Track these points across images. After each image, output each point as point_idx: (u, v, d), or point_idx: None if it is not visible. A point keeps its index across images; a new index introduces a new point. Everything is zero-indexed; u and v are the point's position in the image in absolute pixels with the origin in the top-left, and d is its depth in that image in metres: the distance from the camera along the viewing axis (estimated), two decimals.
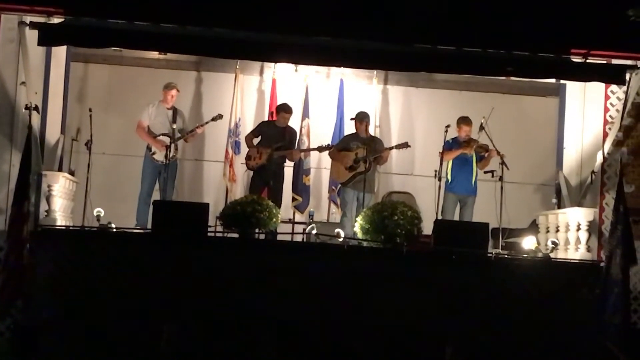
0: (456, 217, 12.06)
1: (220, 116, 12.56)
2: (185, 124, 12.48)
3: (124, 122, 13.16)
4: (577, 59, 11.45)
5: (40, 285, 10.23)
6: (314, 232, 11.04)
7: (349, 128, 13.00)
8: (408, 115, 14.23)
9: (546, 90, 13.73)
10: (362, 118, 12.38)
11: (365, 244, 10.79)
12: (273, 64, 13.72)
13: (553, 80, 12.80)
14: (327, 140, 13.23)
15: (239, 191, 13.23)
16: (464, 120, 12.23)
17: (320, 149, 12.61)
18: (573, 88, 12.50)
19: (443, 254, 10.52)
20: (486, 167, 12.10)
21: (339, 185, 12.68)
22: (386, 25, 11.22)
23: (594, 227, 11.72)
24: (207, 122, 12.59)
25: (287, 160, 12.73)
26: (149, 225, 11.25)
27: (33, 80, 11.29)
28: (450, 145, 12.05)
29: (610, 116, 12.11)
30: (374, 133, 13.21)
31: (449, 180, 12.03)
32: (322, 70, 13.95)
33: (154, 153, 12.16)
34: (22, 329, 10.23)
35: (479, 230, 10.86)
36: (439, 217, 11.45)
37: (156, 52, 13.39)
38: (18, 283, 10.00)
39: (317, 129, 13.82)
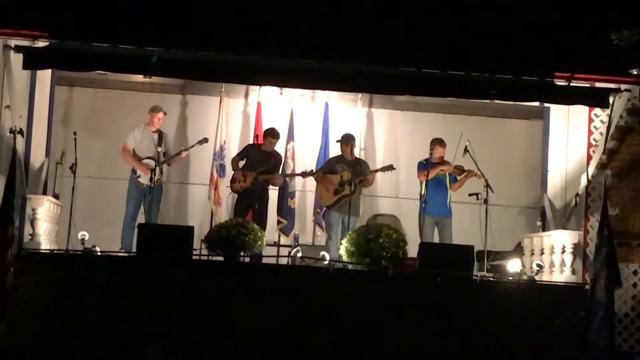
0: (436, 240, 12.04)
1: (205, 140, 12.55)
2: (170, 147, 12.47)
3: (109, 146, 13.14)
4: (561, 82, 11.51)
5: (24, 309, 10.16)
6: (299, 255, 11.00)
7: (334, 151, 13.01)
8: (393, 138, 14.28)
9: (530, 113, 13.80)
10: (347, 140, 12.39)
11: (350, 266, 10.78)
12: (258, 87, 13.75)
13: (537, 103, 12.86)
14: (312, 163, 13.27)
15: (224, 214, 13.21)
16: (438, 142, 12.23)
17: (304, 174, 12.61)
18: (557, 111, 12.56)
19: (428, 277, 10.52)
20: (459, 189, 12.10)
21: (324, 208, 12.67)
22: (371, 48, 11.26)
23: (578, 250, 11.74)
24: (192, 146, 12.58)
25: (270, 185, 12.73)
26: (134, 249, 11.20)
27: (18, 104, 11.27)
28: (424, 166, 12.05)
29: (594, 139, 12.16)
30: (359, 156, 13.21)
31: (425, 203, 12.01)
32: (307, 93, 14.00)
33: (139, 176, 12.14)
34: (5, 353, 10.14)
35: (464, 252, 10.86)
36: (421, 240, 11.45)
37: (141, 76, 13.38)
38: (1, 307, 9.92)
39: (302, 152, 13.85)
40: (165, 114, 12.45)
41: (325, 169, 12.48)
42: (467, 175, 11.99)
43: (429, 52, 11.31)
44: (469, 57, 11.32)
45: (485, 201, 11.54)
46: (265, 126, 13.12)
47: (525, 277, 11.13)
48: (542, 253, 12.07)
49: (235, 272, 10.61)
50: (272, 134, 12.64)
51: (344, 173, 12.15)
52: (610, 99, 11.42)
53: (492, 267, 11.89)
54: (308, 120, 14.10)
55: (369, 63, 11.31)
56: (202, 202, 13.75)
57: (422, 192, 11.92)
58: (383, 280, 10.48)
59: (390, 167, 12.25)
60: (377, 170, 12.39)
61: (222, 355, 10.20)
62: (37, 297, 10.20)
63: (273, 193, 13.00)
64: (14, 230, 10.17)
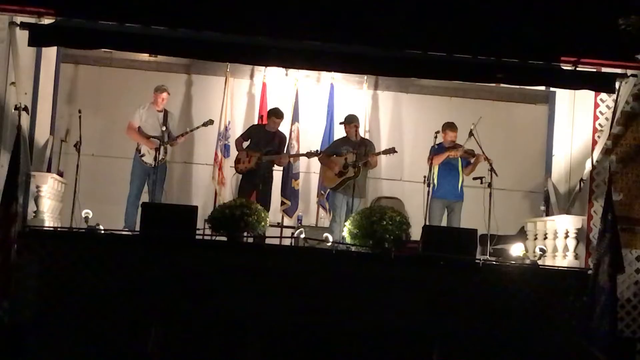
0: (444, 223, 12.06)
1: (211, 121, 12.55)
2: (174, 127, 12.47)
3: (113, 124, 13.15)
4: (567, 67, 11.47)
5: (27, 286, 10.20)
6: (303, 236, 11.03)
7: (339, 133, 13.00)
8: (398, 121, 14.26)
9: (536, 97, 13.78)
10: (349, 121, 12.39)
11: (353, 248, 10.80)
12: (263, 67, 13.71)
13: (543, 88, 12.85)
14: (316, 144, 13.26)
15: (227, 194, 13.22)
16: (449, 126, 12.25)
17: (309, 154, 12.61)
18: (563, 96, 12.53)
19: (431, 260, 10.53)
20: (472, 173, 12.10)
21: (328, 190, 12.67)
22: (377, 30, 11.23)
23: (582, 235, 11.73)
24: (197, 127, 12.61)
25: (275, 165, 12.72)
26: (137, 227, 11.21)
27: (23, 81, 11.24)
28: (436, 151, 12.04)
29: (599, 124, 12.12)
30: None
31: (435, 186, 12.00)
32: (312, 74, 13.97)
33: (143, 155, 12.15)
34: (8, 329, 10.17)
35: (467, 236, 10.88)
36: (427, 224, 11.45)
37: (146, 55, 13.37)
38: (5, 284, 9.94)
39: (307, 134, 13.84)
40: (169, 94, 12.46)
41: (330, 151, 12.47)
42: (477, 159, 11.98)
43: (435, 35, 11.27)
44: (475, 40, 11.29)
45: (490, 185, 11.54)
46: (270, 107, 13.11)
47: (528, 262, 11.16)
48: (546, 237, 12.07)
49: (238, 253, 10.62)
50: (275, 114, 12.62)
51: (348, 155, 12.15)
52: (617, 84, 11.37)
53: (495, 251, 11.90)
54: (313, 101, 14.07)
55: (375, 45, 11.28)
56: (206, 182, 13.75)
57: (433, 176, 11.87)
58: (386, 263, 10.50)
59: (392, 150, 12.24)
60: (379, 153, 12.38)
61: (225, 335, 10.23)
62: (41, 275, 10.23)
63: (277, 174, 13.01)
64: (18, 207, 10.17)
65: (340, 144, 12.42)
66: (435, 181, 11.97)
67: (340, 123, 12.56)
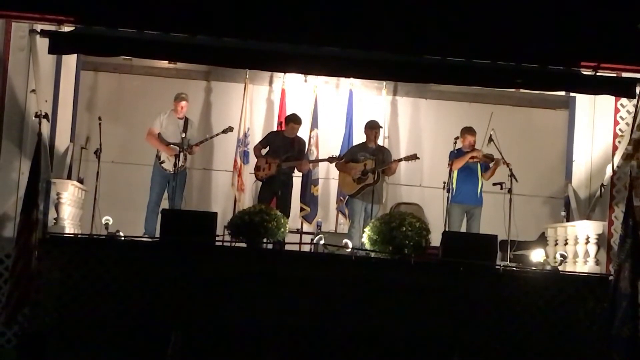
0: (463, 229, 12.02)
1: (230, 129, 12.59)
2: (194, 134, 12.51)
3: (133, 131, 13.18)
4: (587, 72, 11.45)
5: (48, 292, 10.23)
6: (322, 242, 11.00)
7: (358, 138, 13.00)
8: (417, 127, 14.25)
9: (556, 102, 13.74)
10: (373, 126, 12.36)
11: (373, 254, 10.78)
12: (282, 74, 13.73)
13: (563, 93, 12.79)
14: (335, 150, 13.24)
15: (247, 201, 13.25)
16: (468, 131, 12.21)
17: (331, 159, 12.59)
18: (583, 101, 12.48)
19: (451, 266, 10.50)
20: (491, 178, 12.06)
21: (347, 196, 12.66)
22: (396, 36, 11.23)
23: (602, 240, 11.69)
24: (217, 134, 12.67)
25: (295, 171, 12.72)
26: (157, 234, 11.25)
27: (43, 88, 11.31)
28: (455, 156, 12.01)
29: (619, 129, 12.09)
30: (383, 144, 13.18)
31: (454, 191, 11.96)
32: (331, 80, 13.97)
33: (162, 162, 12.19)
34: (29, 336, 10.21)
35: (488, 242, 10.82)
36: (447, 229, 11.43)
37: (166, 62, 13.40)
38: (26, 290, 9.99)
39: (326, 140, 13.84)
40: (187, 102, 12.45)
41: (348, 158, 12.45)
42: (496, 164, 11.93)
43: (454, 40, 11.27)
44: (494, 46, 11.27)
45: (510, 191, 11.50)
46: (289, 113, 13.11)
47: (548, 268, 11.09)
48: (566, 243, 12.01)
49: (258, 259, 10.62)
50: (294, 119, 12.63)
51: (368, 162, 12.13)
52: (637, 89, 11.32)
53: (515, 256, 11.86)
54: (332, 107, 14.07)
55: (393, 51, 11.28)
56: (226, 189, 13.77)
57: (452, 181, 11.83)
58: (406, 269, 10.47)
59: (414, 157, 12.20)
60: (400, 160, 12.36)
61: (244, 341, 10.23)
62: (61, 281, 10.25)
63: (296, 180, 12.99)
64: (38, 214, 10.23)
65: (358, 150, 12.41)
66: (454, 186, 11.93)
67: (373, 128, 12.47)
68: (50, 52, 10.95)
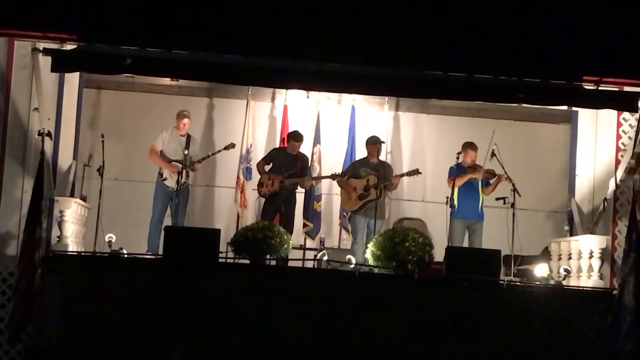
0: (465, 244, 12.00)
1: (232, 145, 12.61)
2: (197, 151, 12.51)
3: (136, 148, 13.20)
4: (589, 86, 11.43)
5: (51, 310, 10.23)
6: (325, 258, 11.00)
7: (361, 154, 13.01)
8: (419, 142, 14.24)
9: (558, 117, 13.73)
10: (374, 142, 12.34)
11: (376, 270, 10.77)
12: (285, 90, 13.75)
13: (565, 108, 12.76)
14: (338, 166, 13.26)
15: (250, 217, 13.25)
16: (469, 146, 12.18)
17: (334, 176, 12.59)
18: (585, 115, 12.50)
19: (454, 281, 10.48)
20: (491, 193, 12.04)
21: (350, 212, 12.65)
22: (397, 51, 11.23)
23: (606, 255, 11.68)
24: (219, 151, 12.67)
25: (298, 187, 12.72)
26: (160, 251, 11.24)
27: (46, 107, 11.33)
28: (455, 172, 11.99)
29: (622, 143, 12.09)
30: (386, 159, 13.17)
31: (456, 207, 11.94)
32: (333, 96, 13.98)
33: (165, 179, 12.19)
34: (33, 354, 10.21)
35: (491, 257, 10.82)
36: (449, 245, 11.42)
37: (168, 79, 13.42)
38: (29, 308, 10.00)
39: (329, 156, 13.84)
40: (189, 119, 12.45)
41: (349, 173, 12.45)
42: (498, 180, 11.92)
43: (456, 56, 11.26)
44: (496, 61, 11.27)
45: (513, 205, 11.48)
46: (291, 129, 13.12)
47: (552, 282, 11.09)
48: (570, 258, 12.01)
49: (261, 275, 10.62)
50: (294, 137, 12.64)
51: (370, 177, 12.13)
52: (639, 103, 11.33)
53: (519, 271, 11.84)
54: (334, 123, 14.08)
55: (395, 66, 11.28)
56: (229, 205, 13.76)
57: (453, 197, 11.81)
58: (409, 284, 10.46)
59: (416, 172, 12.20)
60: (402, 175, 12.36)
61: (248, 357, 10.21)
62: (64, 299, 10.27)
63: (299, 196, 13.00)
64: (41, 232, 10.25)
65: (359, 166, 12.41)
66: (456, 202, 11.91)
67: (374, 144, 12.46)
68: (52, 70, 10.95)
